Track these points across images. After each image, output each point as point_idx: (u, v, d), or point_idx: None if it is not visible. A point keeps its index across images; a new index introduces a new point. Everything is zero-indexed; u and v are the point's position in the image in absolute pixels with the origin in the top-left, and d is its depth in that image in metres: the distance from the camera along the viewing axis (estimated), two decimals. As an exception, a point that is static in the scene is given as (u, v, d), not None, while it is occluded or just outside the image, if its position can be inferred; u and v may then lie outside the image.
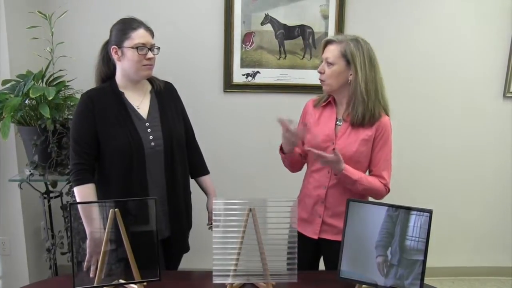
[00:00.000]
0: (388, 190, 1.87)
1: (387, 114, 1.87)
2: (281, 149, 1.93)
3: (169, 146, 1.86)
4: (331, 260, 1.96)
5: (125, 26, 1.79)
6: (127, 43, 1.76)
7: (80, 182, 1.78)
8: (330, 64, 1.77)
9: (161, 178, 1.86)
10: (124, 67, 1.81)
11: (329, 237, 1.90)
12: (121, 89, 1.85)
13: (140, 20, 1.82)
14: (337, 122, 1.87)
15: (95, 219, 1.71)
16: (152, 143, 1.82)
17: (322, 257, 2.04)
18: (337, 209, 1.87)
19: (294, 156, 1.97)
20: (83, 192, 1.78)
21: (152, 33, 1.83)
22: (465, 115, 3.05)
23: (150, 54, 1.80)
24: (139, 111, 1.84)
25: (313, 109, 1.95)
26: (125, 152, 1.77)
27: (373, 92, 1.78)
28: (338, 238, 1.85)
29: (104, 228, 1.50)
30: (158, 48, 1.85)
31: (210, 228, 2.07)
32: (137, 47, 1.76)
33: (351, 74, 1.77)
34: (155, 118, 1.86)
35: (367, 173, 1.91)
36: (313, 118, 1.92)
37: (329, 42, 1.80)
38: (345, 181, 1.81)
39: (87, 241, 1.75)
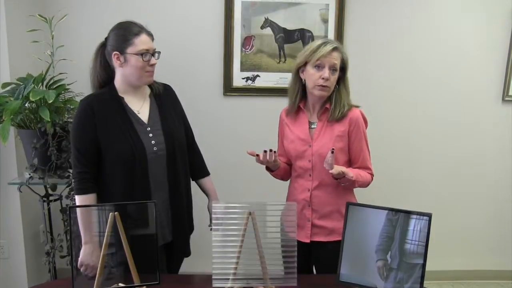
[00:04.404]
0: (372, 177, 1.94)
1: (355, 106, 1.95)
2: (267, 168, 2.01)
3: (171, 150, 1.85)
4: (323, 261, 1.98)
5: (126, 32, 1.76)
6: (130, 49, 1.75)
7: (82, 191, 1.77)
8: (335, 70, 1.84)
9: (164, 182, 1.85)
10: (125, 73, 1.80)
11: (321, 238, 1.92)
12: (120, 94, 1.83)
13: (140, 24, 1.81)
14: (311, 126, 1.93)
15: (92, 228, 1.71)
16: (155, 148, 1.81)
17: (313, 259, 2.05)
18: (324, 210, 1.91)
19: (282, 168, 2.03)
20: (85, 202, 1.77)
21: (152, 37, 1.82)
22: (464, 119, 3.06)
23: (153, 60, 1.80)
24: (139, 116, 1.83)
25: (286, 118, 2.02)
26: (128, 158, 1.75)
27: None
28: (330, 238, 1.90)
29: (104, 232, 1.50)
30: (159, 53, 1.85)
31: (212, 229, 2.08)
32: (141, 54, 1.75)
33: (337, 78, 1.88)
34: (156, 122, 1.86)
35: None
36: (288, 126, 2.00)
37: (335, 49, 1.84)
38: (345, 183, 1.85)
39: (81, 250, 1.75)
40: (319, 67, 1.83)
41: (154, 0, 2.78)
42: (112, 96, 1.82)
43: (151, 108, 1.88)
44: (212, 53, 2.87)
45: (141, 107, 1.86)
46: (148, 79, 1.83)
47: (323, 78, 1.81)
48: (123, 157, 1.76)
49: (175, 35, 2.79)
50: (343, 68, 1.88)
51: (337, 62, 1.83)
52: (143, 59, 1.76)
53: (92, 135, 1.76)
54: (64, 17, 2.45)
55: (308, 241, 1.93)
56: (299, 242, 1.90)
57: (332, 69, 1.83)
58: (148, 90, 1.92)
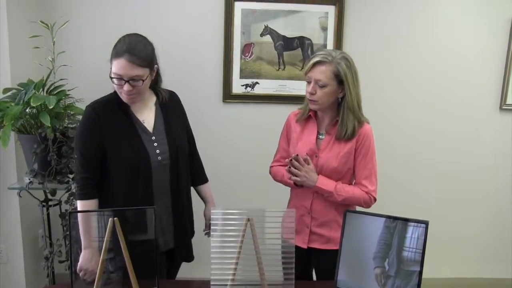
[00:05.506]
0: (372, 199, 1.88)
1: (366, 122, 1.90)
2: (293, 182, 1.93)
3: (175, 159, 1.85)
4: (321, 268, 1.99)
5: (114, 49, 1.69)
6: (112, 68, 1.69)
7: (84, 196, 1.77)
8: (322, 86, 1.77)
9: (166, 190, 1.85)
10: None
11: (318, 246, 1.92)
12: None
13: (133, 44, 1.68)
14: (319, 136, 1.90)
15: (92, 233, 1.71)
16: (159, 157, 1.80)
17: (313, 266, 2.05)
18: (323, 218, 1.91)
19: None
20: (86, 208, 1.77)
21: (138, 63, 1.66)
22: (462, 127, 3.08)
23: (126, 87, 1.67)
24: (145, 124, 1.82)
25: (295, 124, 1.97)
26: (132, 167, 1.75)
27: (359, 106, 1.84)
28: (327, 247, 1.90)
29: (103, 237, 1.51)
30: (143, 80, 1.69)
31: (207, 234, 2.09)
32: (112, 77, 1.69)
33: (340, 92, 1.80)
34: (160, 131, 1.85)
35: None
36: (296, 133, 1.96)
37: (318, 63, 1.77)
38: (322, 194, 1.85)
39: (81, 255, 1.75)
40: (308, 81, 1.82)
41: (154, 7, 2.80)
42: (118, 104, 1.80)
43: (156, 116, 1.87)
44: (211, 60, 2.88)
45: (146, 116, 1.85)
46: (124, 100, 1.76)
47: (308, 93, 1.81)
48: (128, 166, 1.76)
49: (174, 42, 2.81)
50: (342, 81, 1.77)
51: (321, 78, 1.75)
52: (115, 82, 1.70)
53: (97, 140, 1.75)
54: (65, 24, 2.47)
55: (305, 247, 1.93)
56: (297, 247, 1.91)
57: (319, 84, 1.77)
58: (154, 98, 1.90)
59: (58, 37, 2.44)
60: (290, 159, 1.82)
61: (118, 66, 1.65)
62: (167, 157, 1.83)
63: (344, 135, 1.82)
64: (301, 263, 1.97)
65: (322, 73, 1.76)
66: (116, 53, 1.67)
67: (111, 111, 1.79)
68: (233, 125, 2.98)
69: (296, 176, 1.82)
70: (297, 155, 1.82)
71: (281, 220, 1.64)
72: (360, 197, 1.86)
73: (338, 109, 1.85)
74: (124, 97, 1.74)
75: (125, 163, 1.76)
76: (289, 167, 1.83)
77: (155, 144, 1.82)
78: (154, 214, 1.57)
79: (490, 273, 3.28)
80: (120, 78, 1.67)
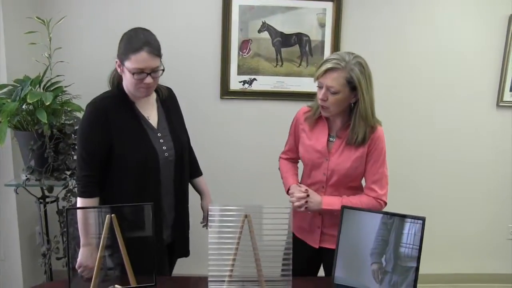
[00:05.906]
0: (382, 203, 1.84)
1: (379, 124, 1.84)
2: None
3: (180, 155, 1.85)
4: (330, 267, 1.97)
5: (128, 44, 1.67)
6: (126, 64, 1.67)
7: (86, 194, 1.76)
8: (334, 93, 1.70)
9: (171, 186, 1.85)
10: (124, 82, 1.76)
11: (329, 245, 1.90)
12: (131, 99, 1.80)
13: (147, 36, 1.69)
14: (330, 138, 1.86)
15: (91, 230, 1.71)
16: (166, 154, 1.81)
17: (322, 264, 2.05)
18: (334, 219, 1.85)
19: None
20: (88, 205, 1.76)
21: (156, 53, 1.69)
22: (460, 124, 3.08)
23: (148, 79, 1.68)
24: (149, 121, 1.81)
25: (303, 122, 1.93)
26: (141, 164, 1.74)
27: (372, 111, 1.78)
28: None
29: (101, 234, 1.51)
30: (163, 70, 1.73)
31: (205, 226, 2.10)
32: (133, 72, 1.66)
33: (353, 97, 1.75)
34: (164, 128, 1.85)
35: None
36: (305, 132, 1.92)
37: (330, 70, 1.69)
38: (332, 213, 1.81)
39: (80, 251, 1.75)
40: (319, 86, 1.76)
41: (151, 3, 2.79)
42: (124, 101, 1.78)
43: (158, 113, 1.87)
44: (209, 56, 2.88)
45: (150, 113, 1.84)
46: (141, 94, 1.76)
47: (320, 99, 1.75)
48: (137, 164, 1.75)
49: (172, 38, 2.78)
50: (355, 87, 1.70)
51: (333, 84, 1.68)
52: (134, 78, 1.67)
53: (104, 138, 1.72)
54: (62, 20, 2.45)
55: (316, 246, 1.93)
56: (308, 245, 1.94)
57: (331, 90, 1.70)
58: (154, 95, 1.89)
59: (54, 33, 2.43)
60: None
61: (140, 59, 1.65)
62: (173, 153, 1.83)
63: (355, 141, 1.78)
64: (311, 262, 2.00)
65: (334, 80, 1.69)
66: (134, 47, 1.65)
67: (117, 108, 1.76)
68: (230, 121, 2.98)
69: (300, 208, 1.80)
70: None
71: (284, 217, 1.63)
72: (368, 204, 1.81)
73: (350, 113, 1.80)
74: (142, 91, 1.73)
75: (134, 160, 1.74)
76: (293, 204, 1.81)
77: (161, 140, 1.82)
78: (152, 211, 1.57)
79: (489, 269, 3.29)
80: (141, 71, 1.66)
